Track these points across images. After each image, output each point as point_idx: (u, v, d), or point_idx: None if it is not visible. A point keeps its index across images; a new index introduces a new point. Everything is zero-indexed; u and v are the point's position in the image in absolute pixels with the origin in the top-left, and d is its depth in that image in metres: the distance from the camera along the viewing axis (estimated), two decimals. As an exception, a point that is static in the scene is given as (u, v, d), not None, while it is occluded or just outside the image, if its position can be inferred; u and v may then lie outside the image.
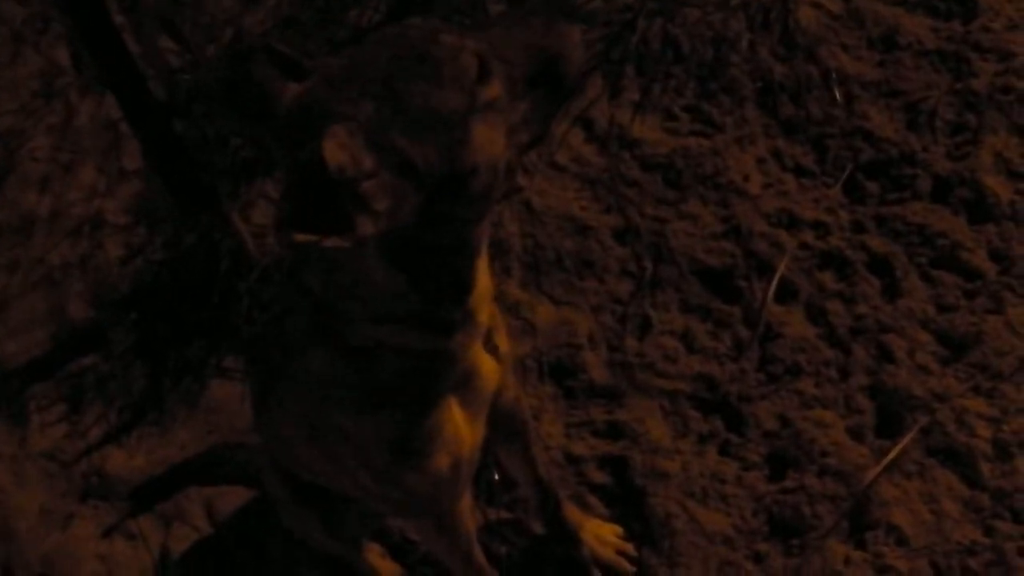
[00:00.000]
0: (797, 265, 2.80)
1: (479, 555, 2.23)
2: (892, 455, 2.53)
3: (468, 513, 2.12)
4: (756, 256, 2.82)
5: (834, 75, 3.06)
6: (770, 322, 2.73)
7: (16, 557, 2.76)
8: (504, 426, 2.23)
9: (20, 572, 2.73)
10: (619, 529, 2.52)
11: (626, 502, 2.57)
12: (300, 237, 1.31)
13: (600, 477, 2.60)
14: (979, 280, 2.72)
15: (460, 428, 1.85)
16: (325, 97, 1.44)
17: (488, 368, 1.86)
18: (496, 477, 2.59)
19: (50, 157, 3.40)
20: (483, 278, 1.67)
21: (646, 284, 2.82)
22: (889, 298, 2.74)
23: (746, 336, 2.72)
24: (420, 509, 2.00)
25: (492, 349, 1.89)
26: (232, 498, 2.71)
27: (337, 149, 1.33)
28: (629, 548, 2.50)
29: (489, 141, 1.48)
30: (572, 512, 2.47)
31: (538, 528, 2.53)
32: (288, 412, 1.95)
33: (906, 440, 2.54)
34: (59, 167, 3.37)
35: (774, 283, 2.77)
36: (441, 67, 1.45)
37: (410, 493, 1.90)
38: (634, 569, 2.48)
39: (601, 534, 2.49)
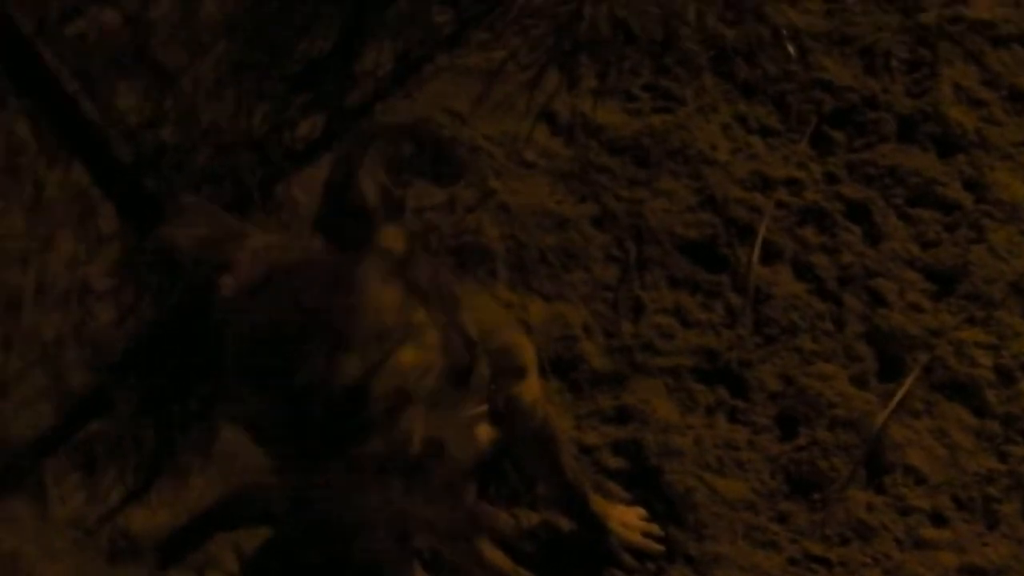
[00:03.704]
0: (777, 225, 2.82)
1: (494, 557, 2.26)
2: (898, 397, 2.55)
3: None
4: (735, 222, 2.84)
5: (784, 31, 3.07)
6: (759, 285, 2.75)
7: (53, 629, 2.78)
8: (532, 444, 2.27)
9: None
10: (643, 512, 2.54)
11: (645, 483, 2.58)
12: None
13: (616, 462, 2.62)
14: (957, 211, 2.75)
15: None
16: None
17: (462, 442, 1.88)
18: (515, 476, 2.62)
19: (27, 232, 3.41)
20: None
21: (632, 266, 2.84)
22: (872, 243, 2.76)
23: (738, 302, 2.74)
24: None
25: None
26: (259, 538, 2.72)
27: None
28: (655, 529, 2.52)
29: None
30: (598, 503, 2.48)
31: (565, 525, 2.55)
32: None
33: (910, 380, 2.57)
34: (37, 241, 3.38)
35: (757, 246, 2.79)
36: None
37: None
38: (663, 548, 2.50)
39: (626, 520, 2.51)
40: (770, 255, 2.79)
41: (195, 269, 1.56)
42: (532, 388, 2.10)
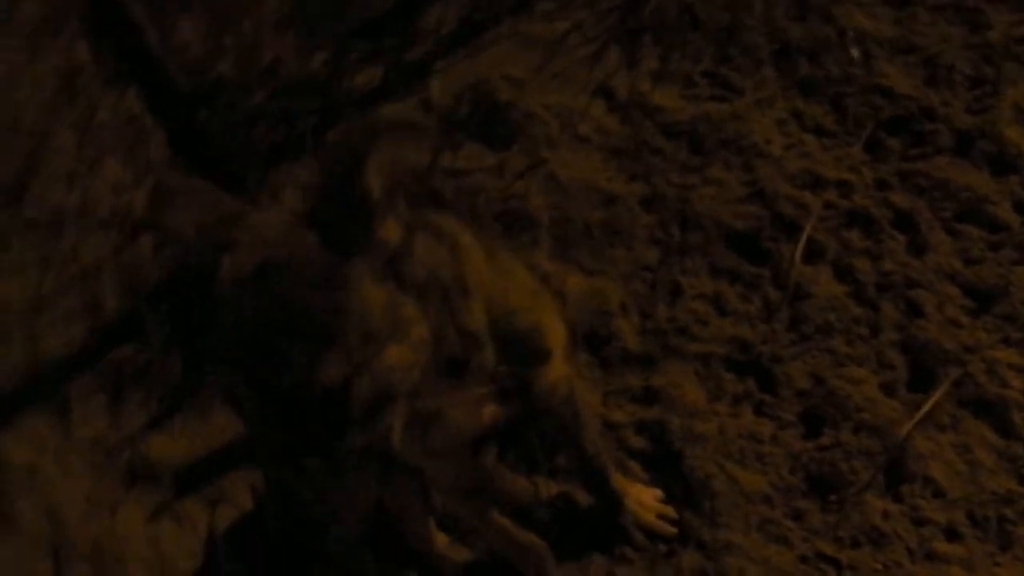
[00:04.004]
0: (823, 225, 2.82)
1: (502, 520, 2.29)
2: (925, 408, 2.55)
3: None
4: (782, 217, 2.84)
5: (850, 33, 3.07)
6: (799, 282, 2.75)
7: (66, 543, 2.80)
8: (554, 420, 2.28)
9: (73, 559, 2.78)
10: (660, 493, 2.55)
11: (665, 466, 2.59)
12: None
13: (639, 442, 2.63)
14: (1004, 232, 2.74)
15: None
16: None
17: (463, 416, 1.89)
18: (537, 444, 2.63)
19: (75, 153, 3.43)
20: None
21: (674, 250, 2.85)
22: (915, 253, 2.75)
23: (776, 297, 2.75)
24: None
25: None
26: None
27: None
28: (670, 511, 2.53)
29: None
30: (617, 480, 2.50)
31: (582, 498, 2.56)
32: None
33: (938, 393, 2.56)
34: (85, 163, 3.40)
35: (801, 243, 2.79)
36: None
37: None
38: (675, 531, 2.51)
39: (643, 499, 2.52)
40: (813, 254, 2.79)
41: (196, 252, 1.57)
42: (554, 370, 2.10)
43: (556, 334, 2.06)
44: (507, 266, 2.00)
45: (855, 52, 3.04)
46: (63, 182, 3.38)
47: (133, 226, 3.23)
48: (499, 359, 1.86)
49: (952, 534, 2.43)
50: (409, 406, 1.60)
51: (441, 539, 2.56)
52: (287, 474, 1.54)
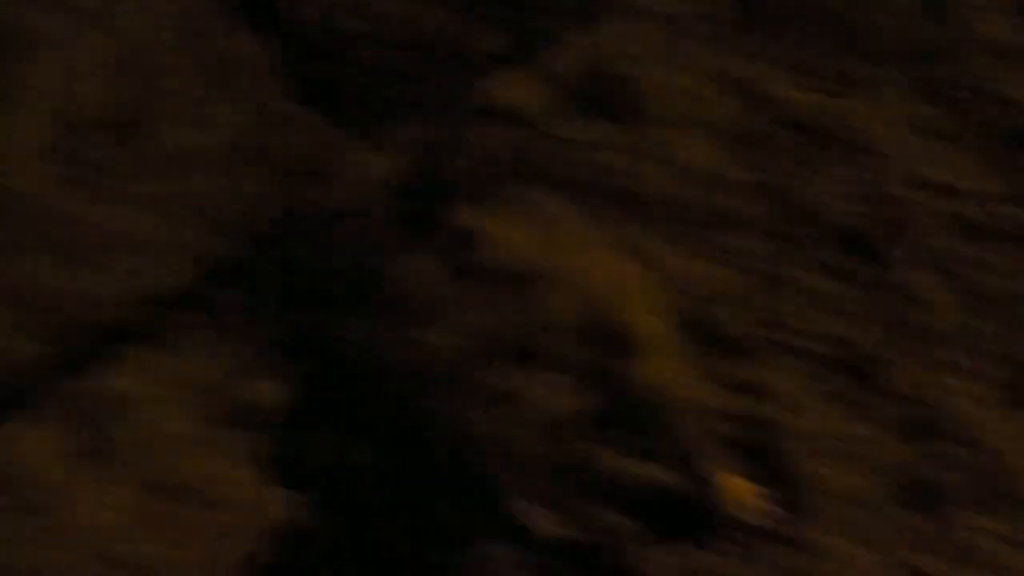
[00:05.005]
0: (934, 230, 2.80)
1: (601, 510, 2.32)
2: (1027, 427, 2.54)
3: None
4: (893, 219, 2.83)
5: (980, 41, 3.03)
6: (905, 286, 2.74)
7: (155, 478, 2.85)
8: (647, 408, 2.30)
9: (158, 493, 2.82)
10: (751, 486, 2.55)
11: (761, 459, 2.60)
12: None
13: (734, 432, 2.63)
14: (1119, 257, 2.72)
15: None
16: None
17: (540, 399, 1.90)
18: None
19: (196, 94, 3.46)
20: None
21: (782, 242, 2.84)
22: (1026, 269, 2.74)
23: (882, 299, 2.73)
24: None
25: None
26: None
27: None
28: (765, 507, 2.53)
29: None
30: (713, 471, 2.51)
31: (677, 484, 2.57)
32: None
33: (1041, 412, 2.55)
34: (204, 104, 3.43)
35: (910, 247, 2.78)
36: None
37: None
38: (763, 524, 2.52)
39: (739, 492, 2.53)
40: (923, 260, 2.77)
41: (291, 179, 1.59)
42: (644, 363, 2.10)
43: (646, 329, 2.07)
44: (603, 256, 2.00)
45: (982, 60, 3.01)
46: (181, 121, 3.41)
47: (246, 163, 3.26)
48: (582, 349, 1.87)
49: (1046, 558, 2.43)
50: (464, 390, 1.60)
51: (533, 513, 2.58)
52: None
